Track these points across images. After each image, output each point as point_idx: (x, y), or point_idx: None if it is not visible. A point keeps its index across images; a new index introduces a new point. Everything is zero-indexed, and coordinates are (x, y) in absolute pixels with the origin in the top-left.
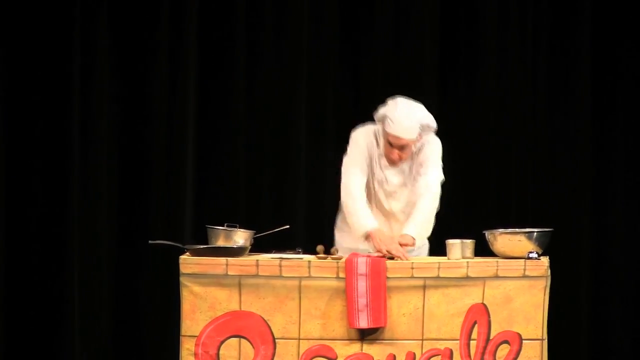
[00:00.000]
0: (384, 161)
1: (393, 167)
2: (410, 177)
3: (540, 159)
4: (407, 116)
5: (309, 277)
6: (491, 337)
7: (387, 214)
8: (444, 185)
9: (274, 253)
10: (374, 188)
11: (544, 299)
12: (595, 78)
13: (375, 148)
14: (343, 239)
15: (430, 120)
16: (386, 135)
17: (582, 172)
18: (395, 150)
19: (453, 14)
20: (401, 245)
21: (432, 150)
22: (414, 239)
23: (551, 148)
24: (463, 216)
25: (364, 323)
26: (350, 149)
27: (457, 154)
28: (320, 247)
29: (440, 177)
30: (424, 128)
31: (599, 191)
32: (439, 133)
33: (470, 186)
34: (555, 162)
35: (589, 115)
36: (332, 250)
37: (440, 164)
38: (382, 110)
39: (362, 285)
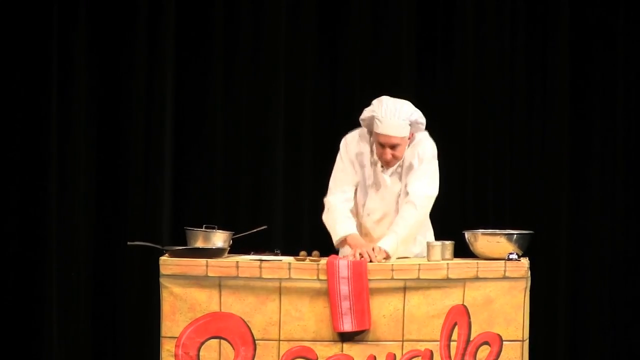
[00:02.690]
0: (378, 168)
1: (387, 168)
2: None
3: (518, 160)
4: (394, 114)
5: (289, 278)
6: (471, 339)
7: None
8: None
9: (253, 254)
10: (364, 195)
11: (525, 300)
12: (573, 78)
13: (368, 152)
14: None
15: (418, 116)
16: (376, 136)
17: (560, 173)
18: (388, 150)
19: (430, 10)
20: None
21: (424, 155)
22: (388, 254)
23: (529, 149)
24: (441, 217)
25: (348, 326)
26: (337, 161)
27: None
28: (303, 253)
29: (429, 190)
30: (413, 125)
31: (577, 192)
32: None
33: (448, 187)
34: (533, 163)
35: (566, 116)
36: (313, 253)
37: (432, 174)
38: (367, 112)
39: (344, 288)
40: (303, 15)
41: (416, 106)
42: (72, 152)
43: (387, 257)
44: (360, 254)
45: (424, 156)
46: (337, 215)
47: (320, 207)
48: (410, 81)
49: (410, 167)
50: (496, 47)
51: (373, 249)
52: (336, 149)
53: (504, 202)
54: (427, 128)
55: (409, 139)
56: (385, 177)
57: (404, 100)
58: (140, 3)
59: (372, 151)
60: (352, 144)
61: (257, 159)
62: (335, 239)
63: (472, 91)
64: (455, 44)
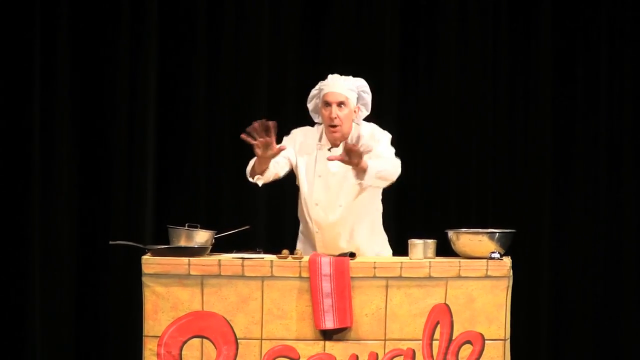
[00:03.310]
0: (324, 153)
1: (334, 138)
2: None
3: (500, 159)
4: (340, 78)
5: (272, 276)
6: (454, 338)
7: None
8: (404, 185)
9: (235, 253)
10: (311, 183)
11: (507, 299)
12: (555, 78)
13: (314, 142)
14: (306, 250)
15: (362, 83)
16: (323, 98)
17: (542, 173)
18: (334, 107)
19: (413, 8)
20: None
21: (382, 138)
22: (367, 166)
23: (511, 149)
24: (423, 216)
25: (330, 324)
26: None
27: (418, 153)
28: (285, 251)
29: (398, 162)
30: (359, 95)
31: (559, 192)
32: (399, 130)
33: (430, 186)
34: (515, 162)
35: (549, 116)
36: (295, 251)
37: (392, 149)
38: (313, 91)
39: (326, 286)
40: (286, 14)
41: (399, 106)
42: (54, 151)
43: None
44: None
45: (381, 138)
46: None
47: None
48: (392, 81)
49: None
50: (479, 48)
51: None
52: None
53: (486, 202)
54: (409, 129)
55: (354, 112)
56: (331, 163)
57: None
58: (123, 1)
59: (318, 139)
60: (299, 134)
61: (240, 158)
62: (248, 170)
63: (455, 91)
64: (437, 45)
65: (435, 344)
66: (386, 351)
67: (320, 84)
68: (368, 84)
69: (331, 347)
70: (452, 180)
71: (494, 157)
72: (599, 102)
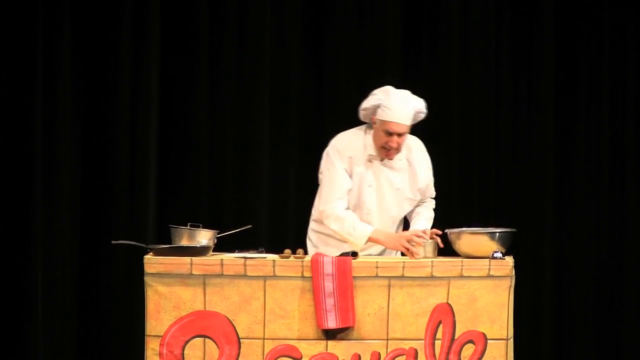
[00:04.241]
0: (376, 164)
1: (389, 162)
2: (410, 186)
3: (503, 158)
4: (404, 102)
5: (274, 276)
6: (456, 337)
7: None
8: None
9: (237, 252)
10: (361, 195)
11: (509, 299)
12: (558, 76)
13: (361, 151)
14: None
15: (422, 106)
16: (382, 125)
17: (545, 172)
18: (395, 137)
19: (416, 5)
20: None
21: (427, 160)
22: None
23: (513, 148)
24: None
25: (332, 323)
26: (329, 168)
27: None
28: (287, 251)
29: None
30: (416, 114)
31: (562, 191)
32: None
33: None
34: (518, 161)
35: (551, 116)
36: (297, 251)
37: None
38: (371, 101)
39: (329, 285)
40: (288, 15)
41: None
42: (57, 151)
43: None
44: (404, 247)
45: (427, 161)
46: (353, 219)
47: (304, 207)
48: (395, 79)
49: (410, 163)
50: (481, 46)
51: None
52: (322, 147)
53: (489, 201)
54: (414, 126)
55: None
56: (384, 172)
57: (406, 90)
58: (125, 2)
59: (365, 148)
60: (344, 149)
61: (242, 158)
62: (363, 240)
63: (457, 89)
64: (440, 42)
65: (438, 343)
66: (388, 351)
67: (382, 102)
68: (370, 83)
69: (333, 346)
70: (454, 179)
71: (496, 156)
72: (602, 101)
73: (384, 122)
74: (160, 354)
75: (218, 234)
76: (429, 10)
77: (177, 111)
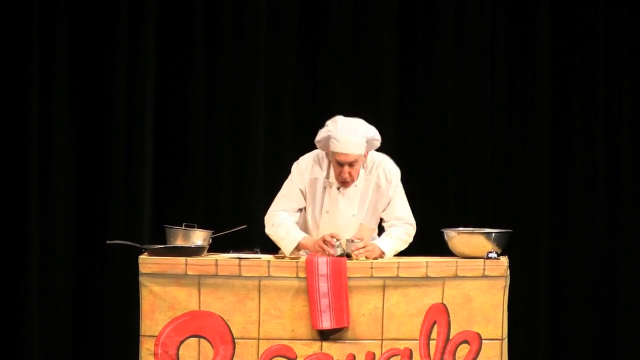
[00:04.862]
0: (332, 191)
1: (345, 190)
2: (371, 212)
3: (498, 159)
4: (350, 132)
5: (269, 276)
6: (451, 337)
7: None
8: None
9: (232, 253)
10: (317, 219)
11: (504, 299)
12: (553, 77)
13: (322, 177)
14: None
15: (374, 133)
16: (333, 155)
17: (540, 172)
18: (346, 168)
19: (411, 9)
20: (366, 251)
21: (399, 191)
22: (383, 252)
23: (509, 148)
24: (421, 216)
25: (327, 324)
26: (287, 183)
27: (416, 153)
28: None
29: (413, 221)
30: (369, 142)
31: (557, 191)
32: (397, 131)
33: (428, 186)
34: (513, 162)
35: (547, 115)
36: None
37: (406, 201)
38: (322, 133)
39: (323, 286)
40: (284, 16)
41: (397, 107)
42: (52, 151)
43: (380, 256)
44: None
45: (393, 181)
46: (288, 226)
47: None
48: (390, 81)
49: (379, 188)
50: (476, 48)
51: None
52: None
53: (484, 201)
54: (408, 129)
55: (365, 157)
56: (340, 199)
57: (359, 119)
58: (121, 2)
59: (327, 175)
60: (307, 171)
61: (238, 159)
62: (293, 244)
63: (453, 91)
64: (435, 44)
65: (433, 343)
66: (383, 351)
67: (330, 133)
68: (366, 86)
69: (328, 346)
70: (450, 180)
71: (492, 157)
72: (597, 103)
73: (334, 153)
74: (155, 354)
75: (213, 234)
76: (425, 13)
77: (173, 111)
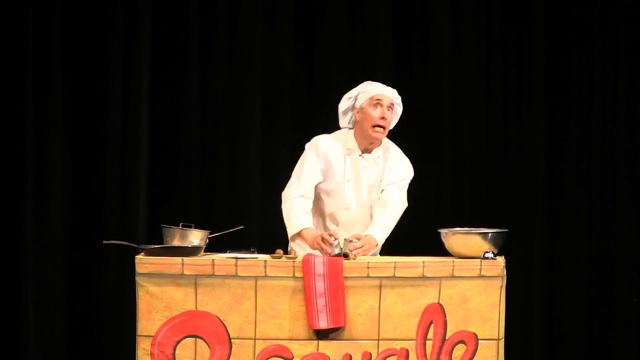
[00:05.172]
0: (353, 158)
1: (367, 155)
2: (379, 186)
3: (494, 158)
4: (380, 84)
5: (265, 276)
6: (447, 337)
7: (358, 215)
8: None
9: (229, 253)
10: (340, 187)
11: (500, 299)
12: (549, 78)
13: (340, 149)
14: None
15: (399, 98)
16: (370, 100)
17: (536, 172)
18: (384, 109)
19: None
20: (364, 251)
21: (407, 178)
22: (376, 243)
23: (505, 147)
24: (417, 215)
25: (323, 324)
26: (301, 158)
27: (411, 152)
28: (279, 251)
29: (406, 203)
30: (395, 106)
31: (553, 192)
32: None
33: (424, 185)
34: (509, 161)
35: (543, 115)
36: (289, 250)
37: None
38: (349, 96)
39: (320, 285)
40: (280, 12)
41: None
42: (48, 150)
43: (375, 246)
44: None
45: (408, 170)
46: (299, 210)
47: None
48: (386, 79)
49: (394, 166)
50: (472, 46)
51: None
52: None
53: (479, 201)
54: (403, 128)
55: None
56: (362, 166)
57: None
58: (116, 3)
59: (345, 144)
60: (323, 145)
61: (234, 158)
62: (294, 231)
63: (449, 90)
64: (431, 41)
65: (429, 343)
66: (379, 351)
67: (363, 87)
68: (361, 80)
69: (325, 346)
70: (446, 179)
71: (488, 156)
72: (593, 101)
73: (369, 98)
74: (152, 354)
75: (210, 234)
76: (420, 10)
77: (168, 111)
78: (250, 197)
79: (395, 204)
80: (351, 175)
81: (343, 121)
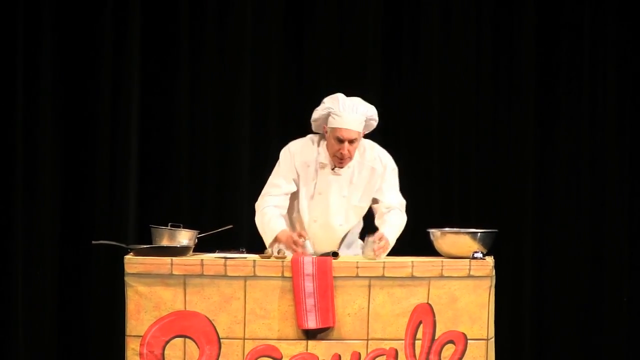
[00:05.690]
0: (326, 172)
1: (339, 171)
2: (363, 193)
3: (483, 158)
4: (352, 108)
5: (254, 276)
6: (436, 337)
7: (326, 228)
8: None
9: (218, 253)
10: (309, 200)
11: (489, 299)
12: (539, 77)
13: (314, 159)
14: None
15: (373, 112)
16: (333, 132)
17: (525, 173)
18: (346, 144)
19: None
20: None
21: (388, 163)
22: (389, 243)
23: (494, 149)
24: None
25: (312, 324)
26: (275, 168)
27: (400, 151)
28: (268, 251)
29: (403, 200)
30: (367, 121)
31: (542, 192)
32: (382, 128)
33: (413, 185)
34: (498, 162)
35: (532, 116)
36: (279, 251)
37: (397, 185)
38: (320, 110)
39: (309, 285)
40: (269, 12)
41: (382, 103)
42: (37, 150)
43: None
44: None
45: (388, 165)
46: (271, 216)
47: None
48: (375, 79)
49: (373, 171)
50: (462, 46)
51: (381, 239)
52: None
53: (469, 201)
54: (392, 127)
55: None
56: (332, 180)
57: (358, 97)
58: (106, 4)
59: (318, 156)
60: (297, 154)
61: (223, 158)
62: (271, 236)
63: (438, 89)
64: (421, 43)
65: (418, 343)
66: (369, 351)
67: (331, 109)
68: (350, 78)
69: (314, 346)
70: (435, 179)
71: (477, 156)
72: (581, 102)
73: (334, 129)
74: (141, 354)
75: (199, 234)
76: (410, 10)
77: (158, 112)
78: (239, 197)
79: (394, 208)
80: (323, 188)
81: (315, 127)
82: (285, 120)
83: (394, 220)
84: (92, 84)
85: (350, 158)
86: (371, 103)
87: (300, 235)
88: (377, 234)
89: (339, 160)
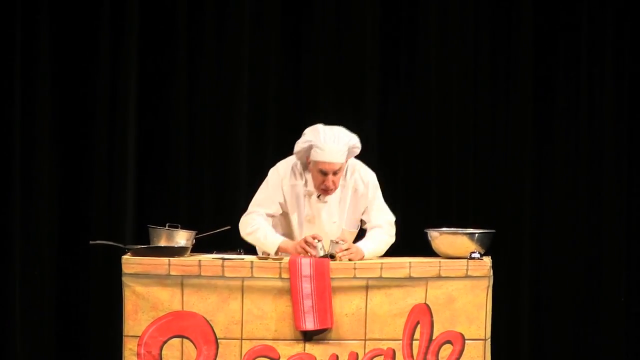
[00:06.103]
0: (312, 200)
1: (325, 198)
2: (351, 217)
3: (481, 159)
4: (333, 140)
5: (252, 277)
6: (434, 337)
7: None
8: (384, 184)
9: (216, 253)
10: (300, 227)
11: (487, 299)
12: (537, 78)
13: (302, 185)
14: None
15: (355, 141)
16: (316, 165)
17: (523, 173)
18: (330, 177)
19: (394, 8)
20: (349, 254)
21: (371, 183)
22: (364, 254)
23: (492, 149)
24: (404, 215)
25: (310, 325)
26: (262, 186)
27: (399, 152)
28: (265, 252)
29: (392, 217)
30: (350, 150)
31: (540, 192)
32: (380, 130)
33: (411, 185)
34: (496, 162)
35: (530, 117)
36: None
37: (383, 202)
38: (302, 143)
39: (306, 287)
40: (267, 17)
41: (380, 107)
42: (35, 150)
43: (361, 258)
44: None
45: (370, 184)
46: (265, 229)
47: None
48: (373, 80)
49: (356, 192)
50: (460, 49)
51: (348, 249)
52: None
53: (466, 201)
54: (391, 129)
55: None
56: (321, 207)
57: (338, 127)
58: (104, 2)
59: (305, 183)
60: (286, 177)
61: (221, 159)
62: (274, 248)
63: (437, 91)
64: (418, 45)
65: (416, 343)
66: (366, 351)
67: (312, 142)
68: (348, 81)
69: (311, 347)
70: (433, 179)
71: (475, 156)
72: (580, 102)
73: (317, 162)
74: (138, 354)
75: (196, 234)
76: (407, 13)
77: (156, 112)
78: (236, 198)
79: (381, 227)
80: (311, 215)
81: (298, 159)
82: (283, 123)
83: (374, 234)
84: (90, 85)
85: (335, 188)
86: (369, 105)
87: (314, 237)
88: (341, 237)
89: (323, 192)
